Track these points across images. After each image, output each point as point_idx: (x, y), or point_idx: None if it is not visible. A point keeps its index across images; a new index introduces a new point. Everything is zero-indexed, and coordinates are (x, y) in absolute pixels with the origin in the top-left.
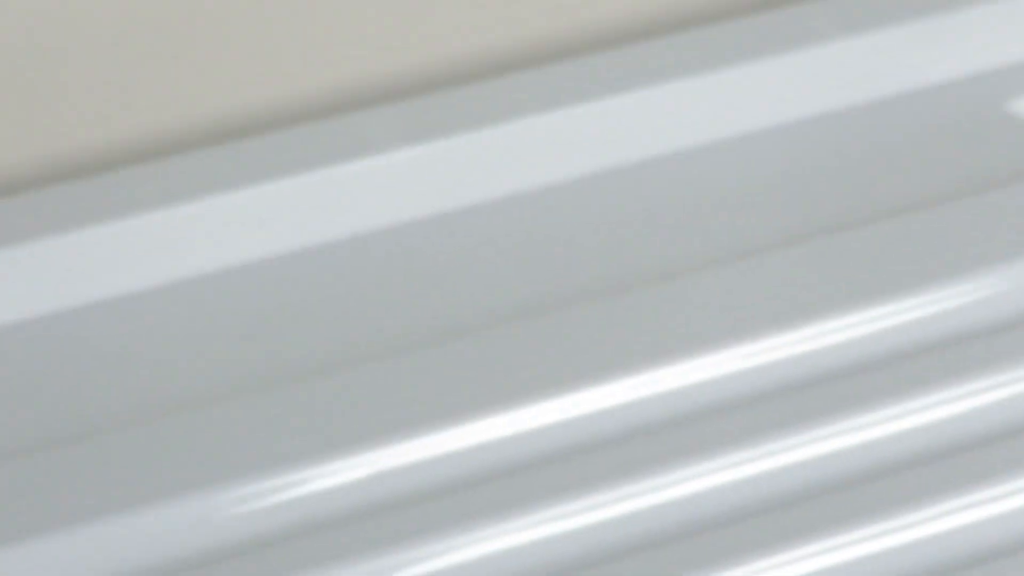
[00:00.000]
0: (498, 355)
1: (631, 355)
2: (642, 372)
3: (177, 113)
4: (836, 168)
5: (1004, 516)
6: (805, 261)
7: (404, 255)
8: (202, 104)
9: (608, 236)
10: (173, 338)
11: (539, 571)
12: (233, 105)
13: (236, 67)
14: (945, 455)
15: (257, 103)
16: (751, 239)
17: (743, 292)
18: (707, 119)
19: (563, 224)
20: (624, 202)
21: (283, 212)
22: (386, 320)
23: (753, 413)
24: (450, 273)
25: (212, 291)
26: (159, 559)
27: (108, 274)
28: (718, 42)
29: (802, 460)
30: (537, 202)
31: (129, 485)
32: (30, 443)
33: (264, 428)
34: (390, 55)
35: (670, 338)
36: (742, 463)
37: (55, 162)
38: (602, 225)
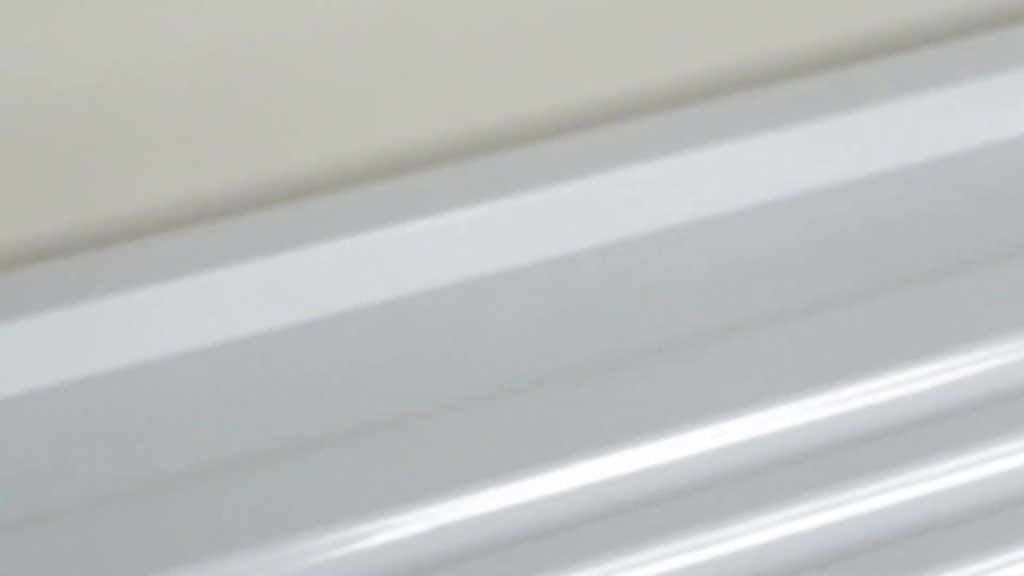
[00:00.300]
0: (533, 418)
1: (649, 422)
2: (658, 439)
3: (180, 187)
4: (859, 236)
5: None
6: (829, 327)
7: (415, 325)
8: (199, 179)
9: (626, 305)
10: (212, 402)
11: None
12: (228, 181)
13: (230, 145)
14: (960, 524)
15: (255, 178)
16: (774, 306)
17: (761, 360)
18: (728, 188)
19: (581, 293)
20: (643, 271)
21: (304, 283)
22: (419, 384)
23: (771, 480)
24: (460, 343)
25: (252, 356)
26: None
27: (136, 341)
28: (744, 111)
29: (815, 527)
30: (557, 271)
31: (193, 540)
32: (89, 502)
33: (322, 484)
34: (398, 126)
35: (685, 406)
36: (751, 532)
37: (79, 231)
38: (618, 294)
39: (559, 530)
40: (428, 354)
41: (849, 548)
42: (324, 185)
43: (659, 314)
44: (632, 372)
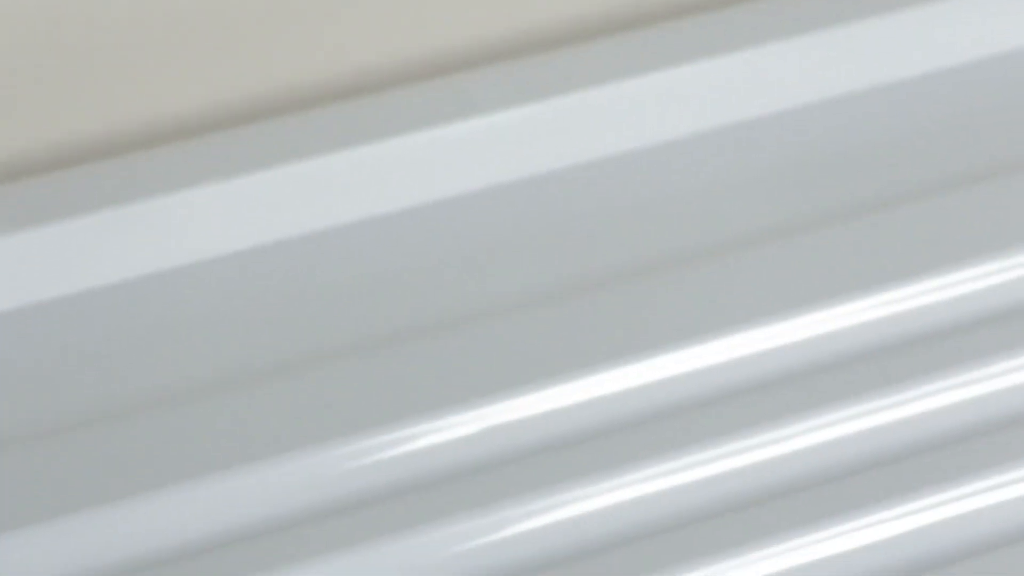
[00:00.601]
0: (539, 332)
1: (649, 340)
2: (652, 358)
3: (175, 100)
4: (849, 153)
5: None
6: (814, 248)
7: (426, 235)
8: (190, 94)
9: (617, 223)
10: (238, 310)
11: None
12: (222, 96)
13: (230, 59)
14: (955, 441)
15: (250, 92)
16: (759, 226)
17: (763, 275)
18: (716, 105)
19: (570, 210)
20: (634, 188)
21: (336, 189)
22: (437, 293)
23: (763, 400)
24: (462, 256)
25: (274, 264)
26: (272, 514)
27: (152, 250)
28: (728, 26)
29: (808, 447)
30: (545, 188)
31: (243, 440)
32: (123, 408)
33: (371, 387)
34: (387, 43)
35: (674, 326)
36: (742, 451)
37: (82, 144)
38: (607, 212)
39: (587, 439)
40: (442, 264)
41: (860, 462)
42: (342, 92)
43: (663, 227)
44: (650, 282)
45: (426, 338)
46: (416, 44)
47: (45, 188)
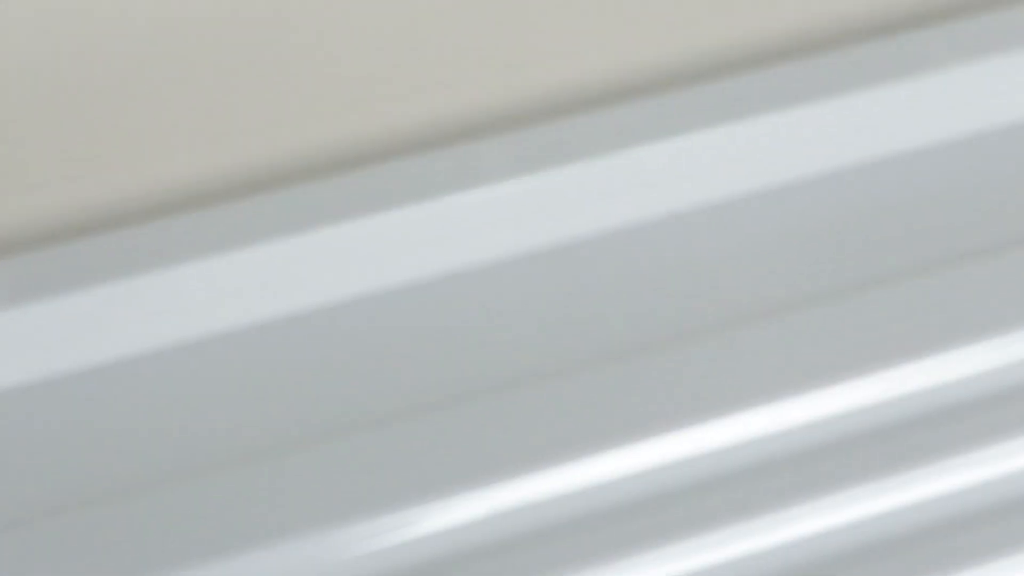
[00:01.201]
0: (529, 413)
1: (661, 417)
2: (662, 436)
3: (170, 173)
4: (858, 225)
5: None
6: (822, 322)
7: (417, 312)
8: (186, 167)
9: (627, 294)
10: (254, 385)
11: None
12: (223, 167)
13: (230, 131)
14: (972, 523)
15: (251, 163)
16: (766, 300)
17: (765, 353)
18: (723, 175)
19: (582, 281)
20: (641, 259)
21: (325, 267)
22: (445, 371)
23: (770, 480)
24: (456, 336)
25: (288, 338)
26: None
27: (177, 320)
28: (734, 95)
29: (817, 529)
30: (553, 260)
31: (246, 525)
32: (124, 489)
33: (376, 468)
34: (391, 112)
35: (677, 403)
36: (745, 535)
37: (95, 211)
38: (618, 283)
39: (591, 522)
40: (444, 339)
41: (867, 545)
42: (330, 167)
43: (672, 300)
44: (646, 362)
45: (428, 416)
46: (421, 112)
47: (35, 264)
